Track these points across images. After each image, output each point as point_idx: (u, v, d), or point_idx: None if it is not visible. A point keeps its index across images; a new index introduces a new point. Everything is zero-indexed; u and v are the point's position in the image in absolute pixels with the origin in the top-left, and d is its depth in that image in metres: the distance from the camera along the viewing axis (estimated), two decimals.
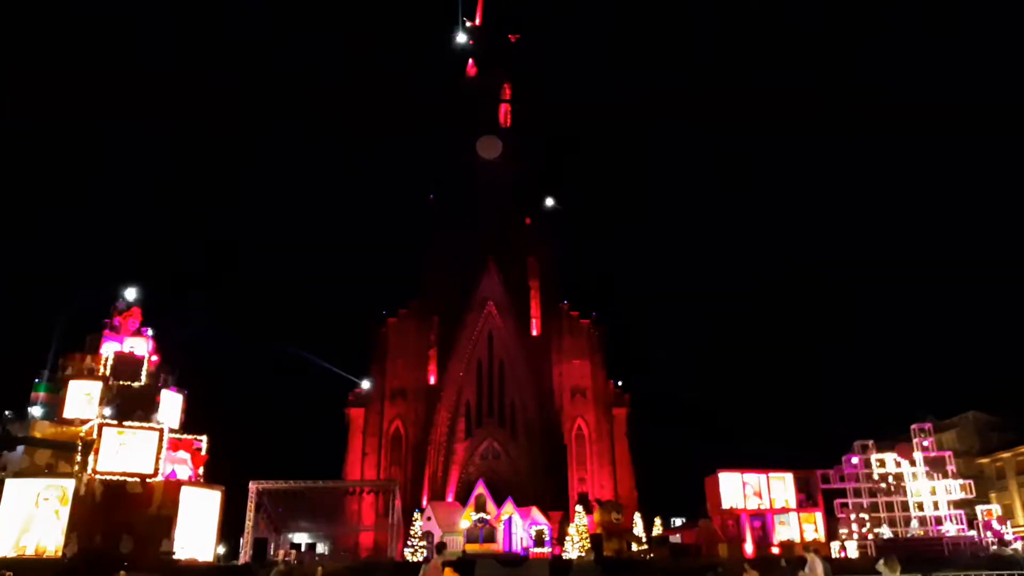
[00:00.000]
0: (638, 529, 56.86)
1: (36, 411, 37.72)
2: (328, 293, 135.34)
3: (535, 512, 61.49)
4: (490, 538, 57.63)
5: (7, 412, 37.77)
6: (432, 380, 74.60)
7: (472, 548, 55.45)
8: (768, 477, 50.22)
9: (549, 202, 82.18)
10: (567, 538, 55.57)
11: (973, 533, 51.01)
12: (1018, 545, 49.04)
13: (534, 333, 76.95)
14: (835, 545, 48.53)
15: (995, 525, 50.86)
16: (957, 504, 52.50)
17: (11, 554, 32.36)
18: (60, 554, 32.89)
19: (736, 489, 49.64)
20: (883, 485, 52.51)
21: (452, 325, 76.68)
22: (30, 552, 32.94)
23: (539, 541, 58.05)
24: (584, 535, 54.08)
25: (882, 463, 53.22)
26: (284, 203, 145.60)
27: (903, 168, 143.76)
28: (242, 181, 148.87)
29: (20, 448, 35.93)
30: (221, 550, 41.01)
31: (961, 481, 53.08)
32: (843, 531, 50.19)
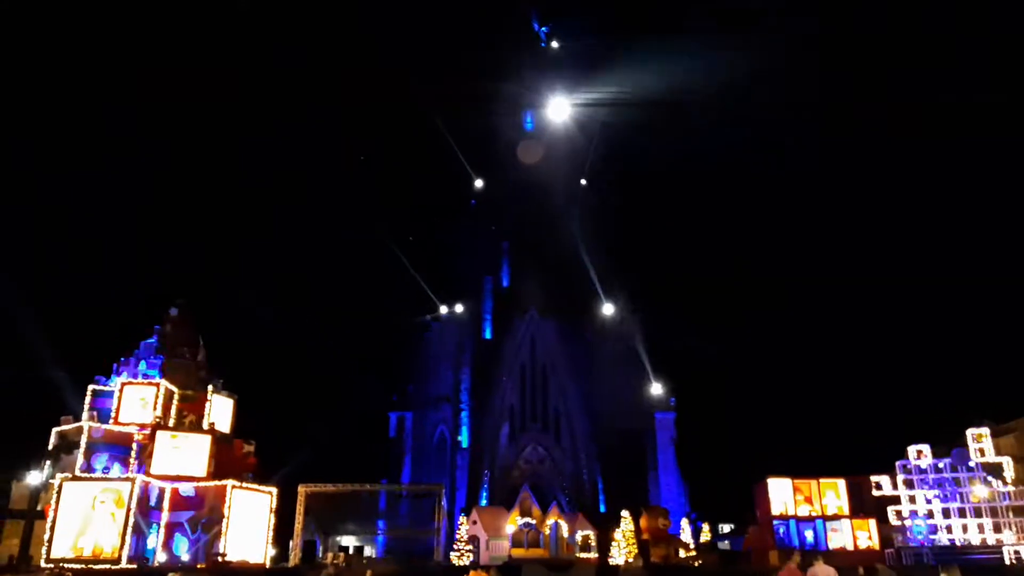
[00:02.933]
0: (685, 535, 56.21)
1: (92, 415, 38.67)
2: (372, 297, 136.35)
3: (581, 517, 61.21)
4: (535, 543, 57.49)
5: (64, 416, 38.83)
6: (475, 384, 74.77)
7: (518, 553, 55.40)
8: (819, 483, 49.30)
9: (592, 203, 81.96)
10: (613, 544, 55.14)
11: None
12: None
13: (577, 337, 76.74)
14: (889, 553, 47.44)
15: None
16: (1017, 511, 50.97)
17: (69, 555, 33.15)
18: (116, 555, 33.62)
19: (786, 495, 48.83)
20: (938, 491, 51.25)
21: (495, 330, 76.95)
22: (87, 553, 33.71)
23: (585, 546, 57.73)
24: (631, 541, 53.64)
25: (938, 469, 51.93)
26: (326, 206, 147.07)
27: (958, 166, 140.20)
28: (288, 186, 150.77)
29: (77, 452, 36.90)
30: (272, 552, 41.55)
31: (1020, 488, 51.55)
32: (898, 538, 49.06)
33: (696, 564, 47.43)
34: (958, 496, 50.91)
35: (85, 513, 34.49)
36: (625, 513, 56.29)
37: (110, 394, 39.52)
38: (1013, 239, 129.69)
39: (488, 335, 77.62)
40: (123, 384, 39.45)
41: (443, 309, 79.38)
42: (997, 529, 49.59)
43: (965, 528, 50.05)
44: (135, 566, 32.89)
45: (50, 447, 37.92)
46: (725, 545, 60.55)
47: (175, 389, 39.67)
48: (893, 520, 49.93)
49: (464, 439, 72.96)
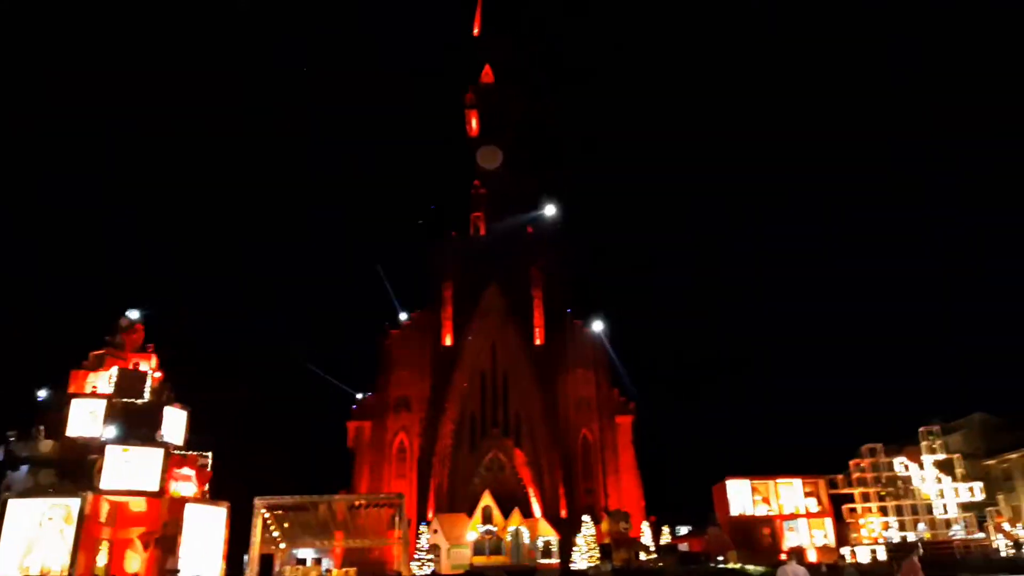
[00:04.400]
0: (646, 538, 56.50)
1: (39, 430, 37.44)
2: (331, 305, 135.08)
3: (542, 523, 61.13)
4: (497, 550, 57.25)
5: (9, 431, 37.54)
6: (435, 391, 74.32)
7: (479, 560, 55.12)
8: (776, 483, 49.99)
9: (551, 211, 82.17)
10: (575, 548, 55.15)
11: (982, 535, 50.76)
12: None
13: (538, 343, 76.85)
14: (845, 550, 48.22)
15: (1006, 527, 50.59)
16: (966, 507, 52.26)
17: (16, 575, 32.06)
18: (65, 574, 32.58)
19: (744, 496, 49.42)
20: (891, 489, 52.29)
21: (455, 336, 76.64)
22: (34, 572, 32.59)
23: (547, 552, 57.67)
24: (592, 545, 53.72)
25: (890, 467, 53.01)
26: (287, 213, 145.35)
27: (901, 167, 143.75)
28: (244, 188, 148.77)
29: (24, 467, 35.69)
30: (226, 567, 40.66)
31: (970, 484, 52.88)
32: (853, 536, 49.91)
33: (658, 566, 47.66)
34: (910, 493, 52.02)
35: (32, 531, 33.39)
36: (586, 518, 56.37)
37: (58, 407, 38.34)
38: (962, 242, 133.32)
39: (448, 342, 77.23)
40: (71, 396, 38.31)
41: (403, 316, 78.79)
42: (948, 525, 50.76)
43: (917, 524, 51.15)
44: None
45: None
46: (685, 547, 60.99)
47: (126, 401, 38.62)
48: (848, 518, 50.83)
49: (424, 447, 72.39)
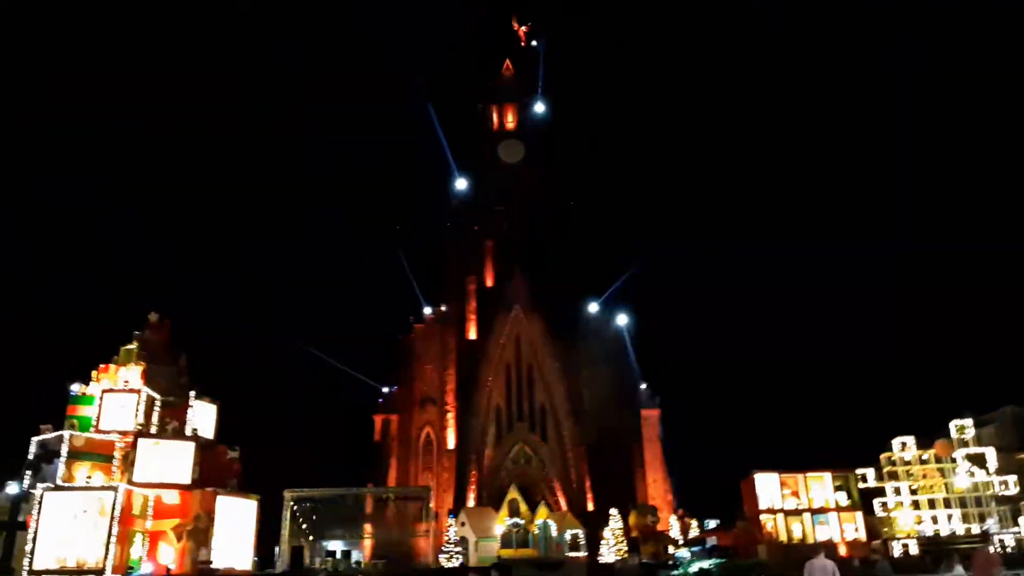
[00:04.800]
0: (674, 532, 56.28)
1: (72, 424, 38.00)
2: (356, 300, 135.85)
3: (569, 516, 61.08)
4: (525, 543, 57.27)
5: (43, 425, 38.13)
6: (460, 385, 74.50)
7: (507, 553, 55.14)
8: (806, 477, 49.43)
9: (575, 203, 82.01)
10: (603, 542, 55.08)
11: (1017, 529, 49.98)
12: None
13: (563, 337, 76.66)
14: (876, 544, 47.70)
15: None
16: (1000, 500, 51.51)
17: (52, 566, 32.58)
18: (100, 566, 33.06)
19: (773, 490, 48.93)
20: (923, 483, 51.65)
21: (480, 330, 76.73)
22: (71, 564, 33.12)
23: (574, 545, 57.61)
24: (620, 538, 53.60)
25: (922, 460, 52.34)
26: (308, 210, 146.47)
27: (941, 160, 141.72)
28: (263, 187, 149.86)
29: (58, 461, 36.24)
30: (256, 558, 41.09)
31: (1004, 477, 52.10)
32: (884, 530, 49.37)
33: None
34: (943, 487, 51.35)
35: (67, 523, 33.89)
36: (614, 511, 56.24)
37: (90, 401, 38.87)
38: (1000, 234, 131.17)
39: (473, 335, 77.36)
40: (103, 391, 38.80)
41: (427, 310, 78.99)
42: (982, 518, 50.05)
43: (950, 518, 50.49)
44: None
45: (30, 457, 37.22)
46: (713, 540, 60.66)
47: (156, 396, 39.06)
48: (879, 512, 50.27)
49: (450, 440, 72.64)
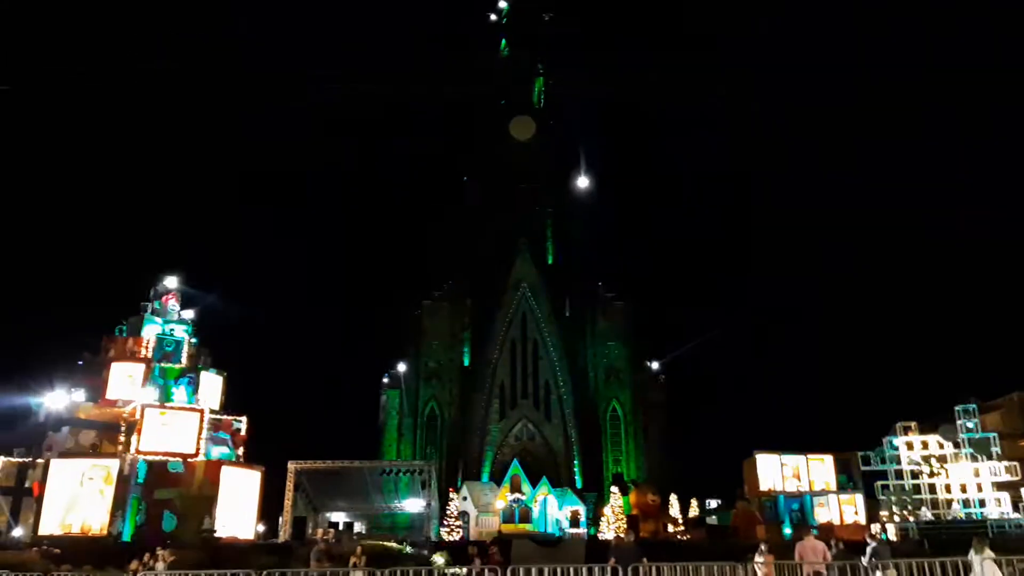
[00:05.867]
0: (674, 511, 56.65)
1: (80, 393, 38.42)
2: (363, 275, 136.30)
3: (570, 493, 61.53)
4: (525, 518, 57.82)
5: (51, 393, 38.57)
6: (466, 361, 74.84)
7: (508, 528, 55.70)
8: (807, 459, 49.42)
9: (584, 182, 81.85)
10: (603, 519, 55.53)
11: (1017, 516, 50.01)
12: None
13: (568, 314, 76.84)
14: (875, 527, 47.84)
15: None
16: (1001, 486, 51.51)
17: (57, 532, 33.08)
18: (105, 532, 33.58)
19: (774, 471, 48.97)
20: (925, 467, 51.68)
21: (486, 307, 76.88)
22: (75, 530, 33.64)
23: (574, 522, 58.11)
24: (620, 516, 54.01)
25: (925, 445, 52.34)
26: (314, 191, 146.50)
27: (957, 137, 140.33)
28: (272, 168, 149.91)
29: (65, 429, 36.72)
30: (261, 528, 41.59)
31: (1006, 463, 52.04)
32: (884, 513, 49.50)
33: (684, 539, 47.79)
34: (945, 472, 51.38)
35: (73, 490, 34.39)
36: (614, 489, 56.61)
37: (98, 370, 39.27)
38: (1006, 219, 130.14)
39: (480, 312, 77.56)
40: (111, 360, 39.18)
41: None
42: (983, 504, 50.12)
43: (950, 503, 50.57)
44: (124, 543, 32.84)
45: (38, 423, 37.75)
46: (713, 520, 61.02)
47: (164, 366, 39.42)
48: (880, 495, 50.36)
49: (454, 415, 73.09)
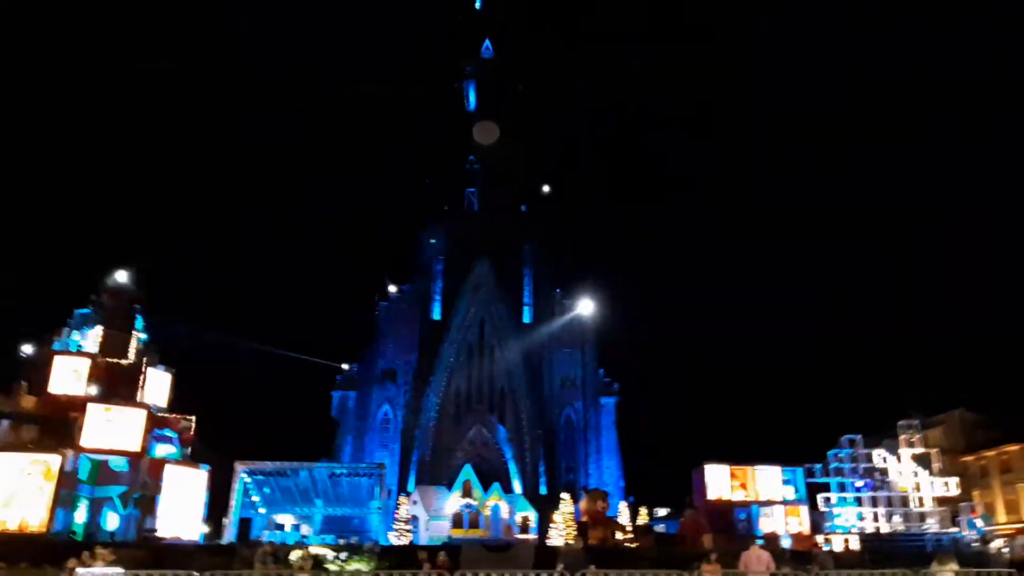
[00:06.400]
0: (623, 518, 56.96)
1: (22, 386, 37.40)
2: (320, 275, 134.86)
3: (521, 499, 61.56)
4: (475, 524, 57.66)
5: None
6: (421, 364, 74.44)
7: (458, 533, 55.51)
8: (755, 470, 50.35)
9: (546, 189, 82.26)
10: (552, 525, 55.63)
11: (955, 530, 51.39)
12: (999, 543, 49.41)
13: (526, 320, 77.05)
14: (819, 539, 48.76)
15: (979, 523, 51.23)
16: (941, 501, 52.86)
17: None
18: (44, 529, 32.71)
19: (723, 481, 49.79)
20: (868, 480, 52.83)
21: (445, 311, 76.69)
22: (12, 527, 32.72)
23: (524, 527, 58.14)
24: (570, 523, 54.13)
25: (869, 458, 53.48)
26: (274, 185, 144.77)
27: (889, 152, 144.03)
28: (228, 160, 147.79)
29: (5, 422, 35.70)
30: (206, 529, 40.90)
31: (946, 478, 53.44)
32: (827, 524, 50.47)
33: (633, 546, 48.11)
34: (887, 485, 52.57)
35: (11, 485, 33.47)
36: (565, 496, 56.77)
37: (42, 364, 38.30)
38: (950, 239, 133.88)
39: (437, 315, 77.29)
40: (55, 354, 38.27)
41: (392, 288, 78.62)
42: (922, 518, 51.37)
43: (891, 516, 51.74)
44: (63, 540, 32.03)
45: None
46: (661, 528, 61.60)
47: (110, 361, 38.60)
48: (823, 506, 51.34)
49: (408, 419, 72.62)
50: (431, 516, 57.73)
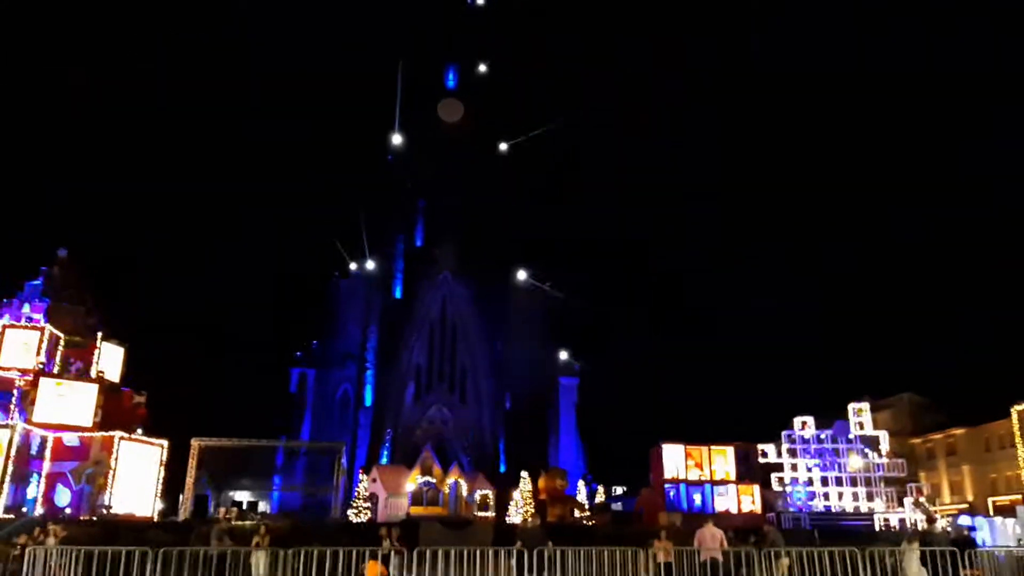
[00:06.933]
0: (581, 496, 57.67)
1: None
2: (279, 252, 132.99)
3: (481, 477, 61.92)
4: (435, 501, 57.87)
5: None
6: (383, 343, 74.23)
7: (417, 510, 55.64)
8: (710, 450, 51.25)
9: (503, 147, 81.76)
10: (511, 503, 56.10)
11: (902, 510, 52.87)
12: (943, 523, 50.92)
13: (487, 301, 77.11)
14: (771, 516, 49.84)
15: (924, 503, 52.72)
16: (888, 482, 54.27)
17: None
18: None
19: (678, 460, 50.60)
20: (819, 460, 54.03)
21: (406, 289, 76.44)
22: None
23: (483, 506, 58.50)
24: (528, 501, 54.66)
25: (820, 439, 54.65)
26: (241, 164, 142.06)
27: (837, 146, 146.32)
28: (197, 134, 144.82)
29: None
30: (160, 506, 40.46)
31: (894, 460, 54.87)
32: (779, 503, 51.56)
33: (590, 524, 48.76)
34: (836, 466, 53.80)
35: None
36: (524, 474, 57.24)
37: None
38: (904, 223, 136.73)
39: (398, 294, 77.03)
40: (5, 327, 37.36)
41: (353, 266, 78.13)
42: (870, 498, 52.72)
43: (841, 496, 52.99)
44: (12, 516, 31.46)
45: None
46: (618, 506, 62.46)
47: (61, 335, 37.84)
48: (775, 486, 52.43)
49: (368, 397, 72.50)
50: (390, 494, 57.78)
